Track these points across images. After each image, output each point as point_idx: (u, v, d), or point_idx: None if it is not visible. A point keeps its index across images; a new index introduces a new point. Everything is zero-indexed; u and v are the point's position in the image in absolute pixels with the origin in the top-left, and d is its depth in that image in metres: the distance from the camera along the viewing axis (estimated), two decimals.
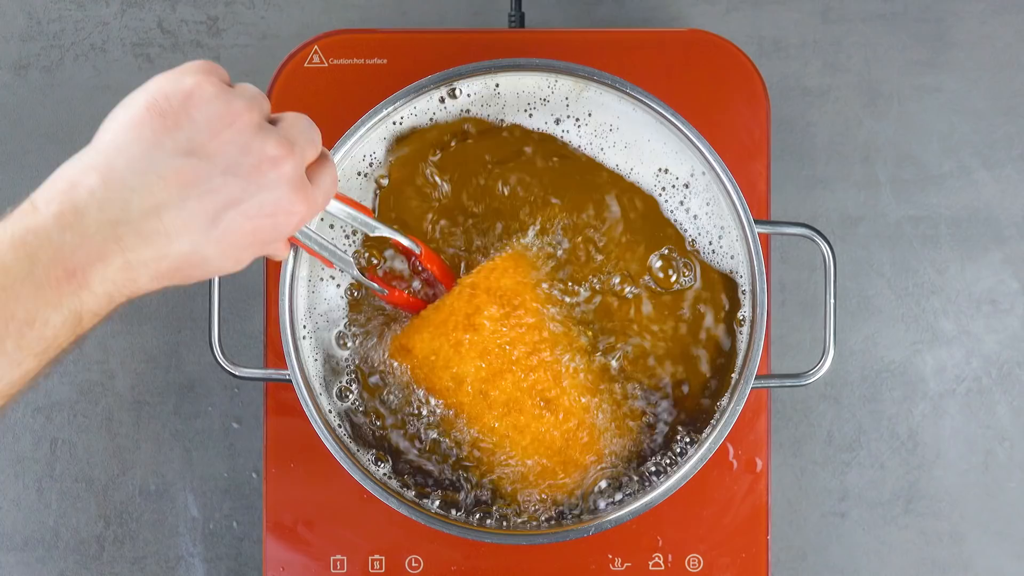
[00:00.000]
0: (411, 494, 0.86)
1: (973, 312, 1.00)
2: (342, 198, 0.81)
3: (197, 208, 0.64)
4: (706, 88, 0.90)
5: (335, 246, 0.82)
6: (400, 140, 0.87)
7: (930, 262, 1.01)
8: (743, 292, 0.85)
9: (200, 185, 0.64)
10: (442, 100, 0.86)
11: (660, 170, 0.86)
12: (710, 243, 0.86)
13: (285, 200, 0.67)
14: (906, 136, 1.00)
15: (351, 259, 0.83)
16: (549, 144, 0.86)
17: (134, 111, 0.66)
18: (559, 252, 0.85)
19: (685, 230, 0.86)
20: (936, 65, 1.01)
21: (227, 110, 0.66)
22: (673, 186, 0.86)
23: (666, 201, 0.86)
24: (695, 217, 0.86)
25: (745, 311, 0.85)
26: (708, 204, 0.86)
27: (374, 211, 0.86)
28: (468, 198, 0.86)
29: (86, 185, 0.63)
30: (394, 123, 0.86)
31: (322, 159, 0.72)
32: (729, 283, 0.86)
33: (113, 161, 0.64)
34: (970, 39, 1.01)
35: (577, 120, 0.86)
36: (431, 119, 0.86)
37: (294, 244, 0.81)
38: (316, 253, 0.81)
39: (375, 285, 0.83)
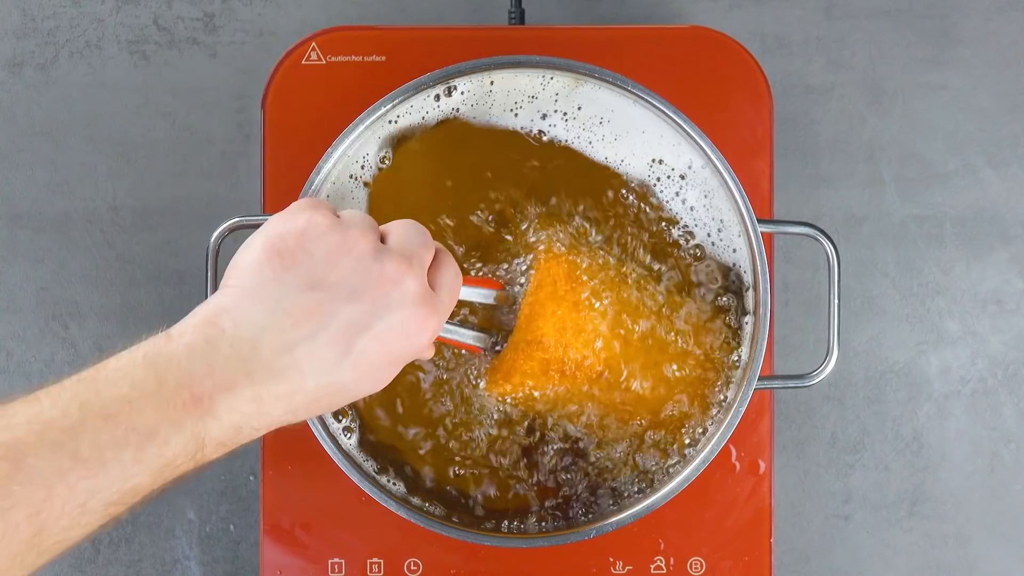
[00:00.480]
0: (404, 493, 0.85)
1: (978, 312, 1.00)
2: (467, 281, 0.80)
3: (327, 340, 0.67)
4: (708, 85, 0.90)
5: (468, 329, 0.82)
6: (398, 142, 0.86)
7: (935, 262, 1.00)
8: (746, 290, 0.85)
9: (327, 317, 0.67)
10: (437, 98, 0.86)
11: (654, 160, 0.86)
12: (708, 235, 0.85)
13: (413, 316, 0.69)
14: (911, 134, 1.00)
15: (487, 334, 0.83)
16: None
17: (255, 254, 0.69)
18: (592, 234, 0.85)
19: (683, 222, 0.86)
20: (941, 62, 1.00)
21: (342, 240, 0.69)
22: (668, 176, 0.86)
23: (661, 191, 0.86)
24: (691, 208, 0.86)
25: (748, 310, 0.85)
26: (706, 196, 0.85)
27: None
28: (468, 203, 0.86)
29: (217, 323, 0.67)
30: (390, 122, 0.86)
31: (439, 257, 0.73)
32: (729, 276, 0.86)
33: (240, 301, 0.67)
34: (975, 36, 1.00)
35: (565, 115, 0.86)
36: (423, 117, 0.86)
37: (438, 342, 0.81)
38: (459, 343, 0.81)
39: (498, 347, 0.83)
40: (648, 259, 0.85)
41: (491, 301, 0.82)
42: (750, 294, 0.85)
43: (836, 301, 0.85)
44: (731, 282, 0.86)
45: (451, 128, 0.86)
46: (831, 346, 0.84)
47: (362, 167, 0.86)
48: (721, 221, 0.85)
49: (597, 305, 0.79)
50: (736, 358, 0.85)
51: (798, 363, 0.99)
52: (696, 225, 0.86)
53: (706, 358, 0.84)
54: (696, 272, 0.85)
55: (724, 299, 0.85)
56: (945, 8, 1.00)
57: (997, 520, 1.00)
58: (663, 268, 0.85)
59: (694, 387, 0.84)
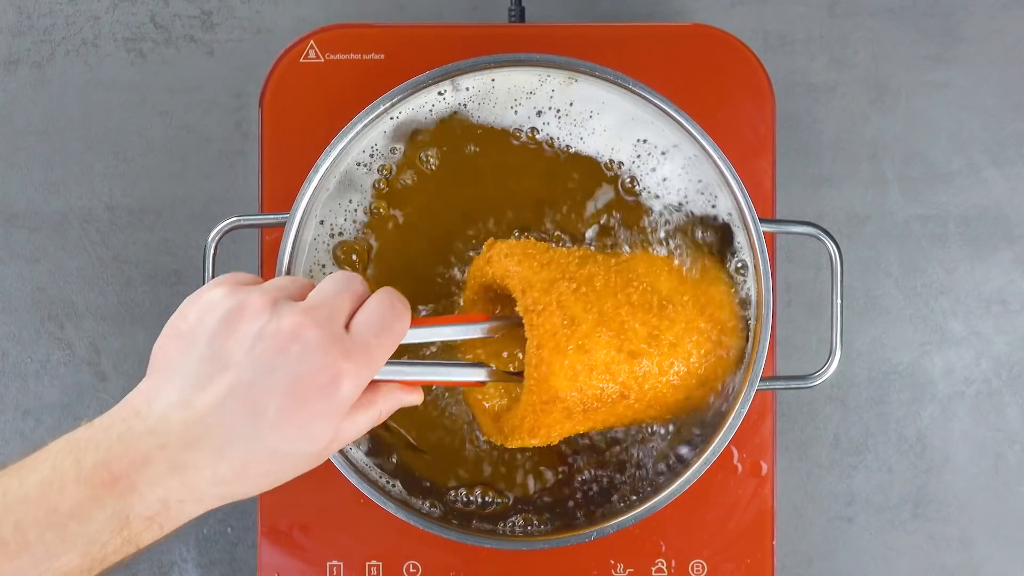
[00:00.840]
0: (403, 495, 0.85)
1: (983, 313, 1.00)
2: (425, 321, 0.78)
3: (234, 406, 0.67)
4: (710, 84, 0.90)
5: (455, 365, 0.79)
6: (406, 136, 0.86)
7: (939, 262, 1.00)
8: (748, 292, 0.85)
9: (231, 383, 0.67)
10: (441, 94, 0.86)
11: (639, 140, 0.86)
12: (682, 202, 0.86)
13: (319, 365, 0.68)
14: (914, 133, 1.00)
15: (485, 366, 0.80)
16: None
17: (162, 338, 0.71)
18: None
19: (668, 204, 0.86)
20: (945, 60, 1.00)
21: (238, 307, 0.69)
22: (650, 154, 0.86)
23: (645, 174, 0.86)
24: (685, 199, 0.86)
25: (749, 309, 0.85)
26: (702, 194, 0.85)
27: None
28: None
29: (133, 406, 0.68)
30: (392, 118, 0.86)
31: (368, 299, 0.71)
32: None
33: (154, 383, 0.69)
34: (980, 34, 1.00)
35: (558, 112, 0.86)
36: (430, 110, 0.86)
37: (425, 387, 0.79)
38: (451, 382, 0.80)
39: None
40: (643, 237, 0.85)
41: (481, 335, 0.79)
42: (741, 235, 0.85)
43: (839, 301, 0.85)
44: (709, 231, 0.86)
45: (453, 125, 0.86)
46: (834, 347, 0.84)
47: (371, 156, 0.86)
48: (716, 198, 0.86)
49: (603, 338, 0.77)
50: (749, 314, 0.84)
51: (800, 364, 0.99)
52: (684, 199, 0.86)
53: (720, 328, 0.82)
54: (675, 232, 0.85)
55: (704, 235, 0.85)
56: (949, 6, 1.00)
57: (1001, 522, 1.00)
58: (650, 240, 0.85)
59: (721, 364, 0.82)
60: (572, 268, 0.79)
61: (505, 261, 0.78)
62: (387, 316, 0.71)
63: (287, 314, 0.68)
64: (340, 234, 0.86)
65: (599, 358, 0.77)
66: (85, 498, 0.65)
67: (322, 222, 0.86)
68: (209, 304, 0.69)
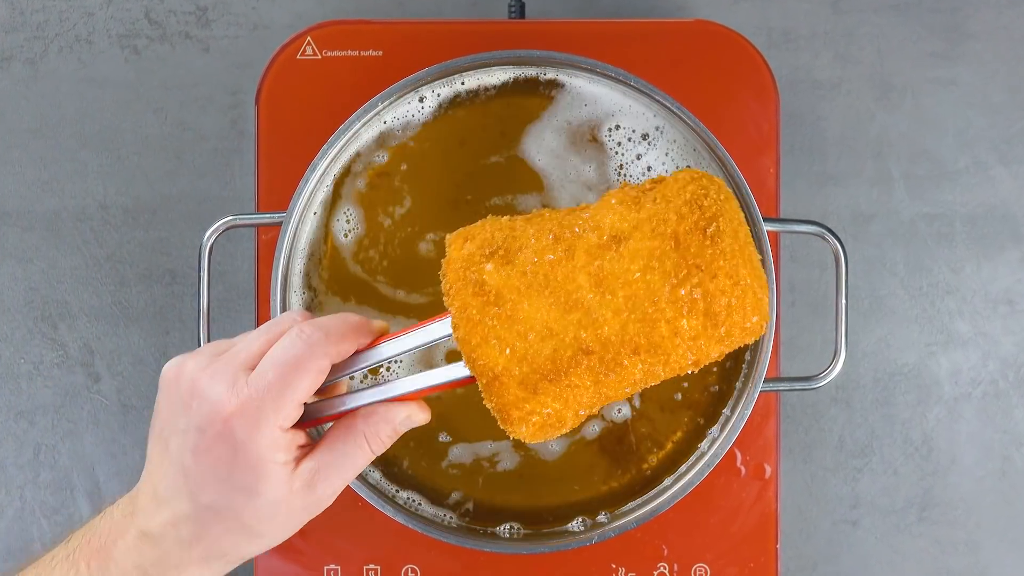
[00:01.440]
0: (404, 495, 0.85)
1: (989, 313, 1.00)
2: (390, 336, 0.74)
3: (172, 469, 0.71)
4: (713, 81, 0.89)
5: (442, 368, 0.75)
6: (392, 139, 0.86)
7: (945, 261, 1.00)
8: None
9: (166, 449, 0.71)
10: (428, 96, 0.86)
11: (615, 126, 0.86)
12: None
13: (210, 413, 0.69)
14: (920, 131, 1.00)
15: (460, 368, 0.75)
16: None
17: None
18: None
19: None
20: (951, 57, 1.00)
21: (166, 382, 0.71)
22: (630, 139, 0.86)
23: (622, 155, 0.86)
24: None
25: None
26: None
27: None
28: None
29: (127, 495, 0.74)
30: (384, 122, 0.86)
31: (280, 341, 0.70)
32: None
33: (148, 471, 0.73)
34: (986, 30, 1.00)
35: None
36: (421, 110, 0.86)
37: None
38: (443, 386, 0.74)
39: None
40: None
41: (449, 330, 0.73)
42: None
43: (844, 301, 0.84)
44: None
45: (443, 121, 0.86)
46: (838, 347, 0.84)
47: (357, 160, 0.86)
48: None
49: (534, 298, 0.71)
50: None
51: (805, 365, 0.99)
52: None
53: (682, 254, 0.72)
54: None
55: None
56: (955, 1, 1.00)
57: (1008, 525, 1.00)
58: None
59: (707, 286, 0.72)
60: (501, 235, 0.74)
61: (450, 249, 0.76)
62: (293, 351, 0.69)
63: (189, 373, 0.70)
64: (339, 232, 0.86)
65: (535, 318, 0.71)
66: (72, 569, 0.72)
67: (318, 221, 0.86)
68: (165, 382, 0.72)
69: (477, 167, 0.87)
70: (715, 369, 0.86)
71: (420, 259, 0.86)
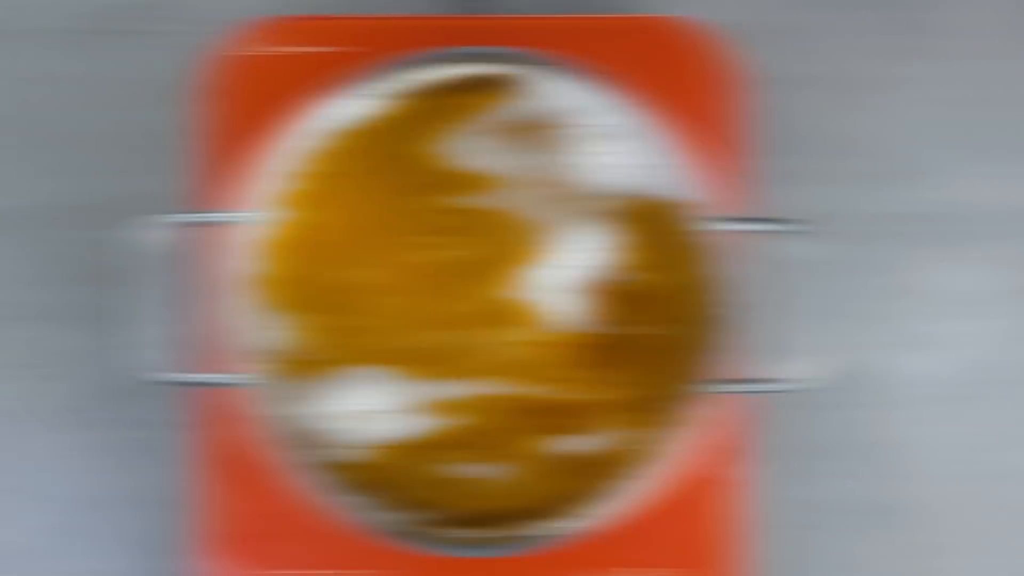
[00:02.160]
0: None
1: (952, 313, 1.00)
2: None
3: None
4: (675, 78, 0.89)
5: None
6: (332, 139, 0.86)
7: (907, 260, 1.00)
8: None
9: None
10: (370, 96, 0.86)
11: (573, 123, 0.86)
12: None
13: None
14: (882, 128, 1.00)
15: None
16: None
17: None
18: None
19: None
20: (914, 53, 1.00)
21: None
22: (588, 137, 0.86)
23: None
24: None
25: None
26: None
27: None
28: None
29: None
30: (328, 121, 0.86)
31: None
32: None
33: None
34: (949, 27, 1.00)
35: None
36: (369, 107, 0.86)
37: None
38: None
39: None
40: None
41: None
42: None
43: (805, 302, 0.86)
44: None
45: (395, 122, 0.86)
46: (798, 349, 0.85)
47: (302, 157, 0.86)
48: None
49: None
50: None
51: (765, 367, 0.96)
52: None
53: None
54: None
55: None
56: None
57: (972, 530, 1.00)
58: None
59: None
60: None
61: None
62: None
63: None
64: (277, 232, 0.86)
65: None
66: None
67: (264, 219, 0.86)
68: None
69: (425, 166, 0.86)
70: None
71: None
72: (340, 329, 0.87)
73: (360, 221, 0.86)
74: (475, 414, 0.87)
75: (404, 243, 0.86)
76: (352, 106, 0.85)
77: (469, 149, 0.86)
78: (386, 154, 0.85)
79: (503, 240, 0.86)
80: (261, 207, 0.85)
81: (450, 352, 0.86)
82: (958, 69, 1.00)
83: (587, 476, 0.87)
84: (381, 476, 0.87)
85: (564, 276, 0.87)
